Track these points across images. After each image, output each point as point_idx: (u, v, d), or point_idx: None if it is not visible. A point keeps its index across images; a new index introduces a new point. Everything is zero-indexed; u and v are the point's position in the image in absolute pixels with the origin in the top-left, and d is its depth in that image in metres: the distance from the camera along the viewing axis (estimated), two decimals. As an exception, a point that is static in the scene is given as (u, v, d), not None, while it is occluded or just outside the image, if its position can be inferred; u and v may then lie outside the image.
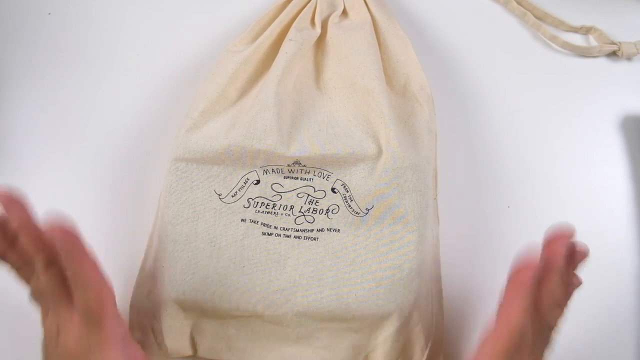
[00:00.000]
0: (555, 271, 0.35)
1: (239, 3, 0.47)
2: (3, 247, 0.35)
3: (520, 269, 0.34)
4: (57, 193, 0.44)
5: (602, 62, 0.49)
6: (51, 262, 0.33)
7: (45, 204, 0.44)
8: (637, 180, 0.46)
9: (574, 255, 0.37)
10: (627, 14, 0.50)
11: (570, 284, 0.38)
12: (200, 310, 0.39)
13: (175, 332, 0.39)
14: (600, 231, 0.45)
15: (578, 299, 0.44)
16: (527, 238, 0.44)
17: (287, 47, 0.40)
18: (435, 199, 0.42)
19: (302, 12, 0.42)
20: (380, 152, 0.38)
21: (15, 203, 0.34)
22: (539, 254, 0.34)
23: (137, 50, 0.46)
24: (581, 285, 0.39)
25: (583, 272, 0.45)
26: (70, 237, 0.31)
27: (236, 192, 0.39)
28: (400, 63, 0.42)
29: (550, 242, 0.35)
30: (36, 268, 0.34)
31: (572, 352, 0.44)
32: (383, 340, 0.40)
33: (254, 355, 0.41)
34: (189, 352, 0.41)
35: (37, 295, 0.36)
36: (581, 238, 0.45)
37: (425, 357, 0.41)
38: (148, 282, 0.40)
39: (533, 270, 0.33)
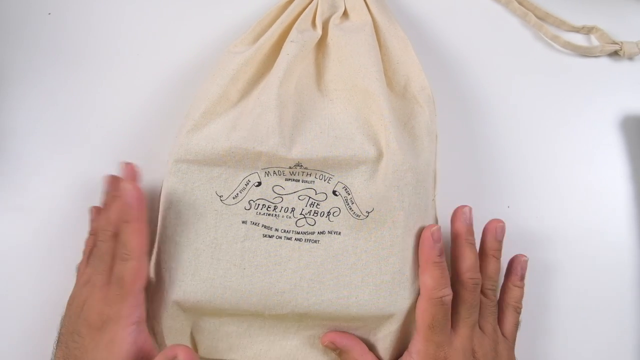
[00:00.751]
0: (462, 242, 0.39)
1: (240, 4, 0.47)
2: (107, 202, 0.41)
3: (421, 242, 0.38)
4: (57, 193, 0.44)
5: (604, 61, 0.49)
6: (117, 235, 0.38)
7: (46, 203, 0.44)
8: (637, 180, 0.46)
9: (488, 229, 0.41)
10: (629, 14, 0.50)
11: (517, 261, 0.42)
12: (200, 311, 0.39)
13: (175, 332, 0.39)
14: (600, 231, 0.45)
15: (578, 298, 0.44)
16: (527, 238, 0.45)
17: (288, 48, 0.40)
18: (433, 200, 0.42)
19: (303, 14, 0.42)
20: (380, 154, 0.38)
21: (131, 177, 0.40)
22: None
23: (137, 50, 0.46)
24: (527, 260, 0.42)
25: (583, 272, 0.45)
26: (139, 202, 0.36)
27: (237, 194, 0.39)
28: (400, 64, 0.42)
29: (453, 221, 0.40)
30: (103, 237, 0.38)
31: (572, 351, 0.44)
32: (383, 337, 0.40)
33: (254, 351, 0.41)
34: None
35: (89, 262, 0.39)
36: (581, 238, 0.45)
37: None
38: (148, 283, 0.40)
39: (432, 239, 0.37)
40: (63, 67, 0.46)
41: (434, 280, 0.37)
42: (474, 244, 0.40)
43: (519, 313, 0.41)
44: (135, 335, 0.36)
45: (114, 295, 0.36)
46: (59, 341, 0.38)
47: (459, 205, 0.41)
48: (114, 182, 0.41)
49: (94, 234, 0.41)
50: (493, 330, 0.40)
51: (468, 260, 0.39)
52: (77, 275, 0.41)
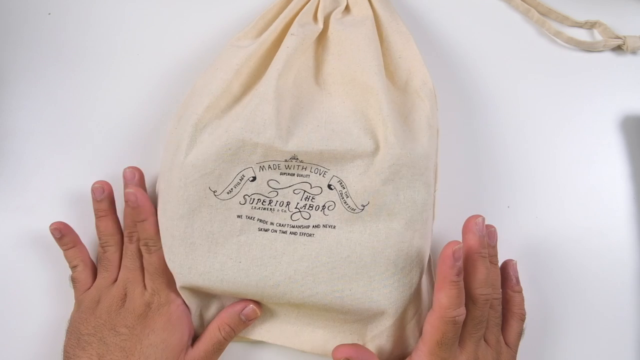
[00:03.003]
0: (475, 256, 0.37)
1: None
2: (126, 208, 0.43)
3: (442, 259, 0.36)
4: (58, 192, 0.44)
5: (608, 56, 0.48)
6: (139, 236, 0.41)
7: (46, 203, 0.44)
8: (637, 180, 0.46)
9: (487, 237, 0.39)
10: (631, 9, 0.49)
11: (508, 267, 0.42)
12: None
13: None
14: (600, 231, 0.45)
15: (577, 298, 0.44)
16: (527, 238, 0.45)
17: (288, 41, 0.40)
18: (433, 195, 0.42)
19: (305, 8, 0.42)
20: (377, 148, 0.38)
21: (135, 178, 0.42)
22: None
23: (137, 50, 0.46)
24: (516, 262, 0.42)
25: (583, 272, 0.45)
26: (146, 201, 0.40)
27: (232, 189, 0.39)
28: (402, 59, 0.42)
29: (464, 232, 0.38)
30: (134, 238, 0.41)
31: (571, 350, 0.44)
32: (379, 333, 0.40)
33: (255, 332, 0.42)
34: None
35: (99, 268, 0.42)
36: (581, 238, 0.45)
37: None
38: None
39: (453, 257, 0.35)
40: (63, 67, 0.46)
41: (450, 300, 0.36)
42: (486, 257, 0.38)
43: (523, 321, 0.41)
44: (186, 313, 0.41)
45: (158, 284, 0.40)
46: (80, 344, 0.38)
47: (458, 207, 0.41)
48: (98, 191, 0.43)
49: (72, 246, 0.42)
50: (497, 342, 0.39)
51: (480, 275, 0.37)
52: (79, 285, 0.41)
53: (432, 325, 0.36)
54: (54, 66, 0.46)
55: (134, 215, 0.41)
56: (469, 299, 0.37)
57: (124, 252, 0.42)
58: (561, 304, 0.44)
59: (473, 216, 0.38)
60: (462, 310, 0.36)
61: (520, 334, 0.41)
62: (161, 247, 0.40)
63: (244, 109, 0.38)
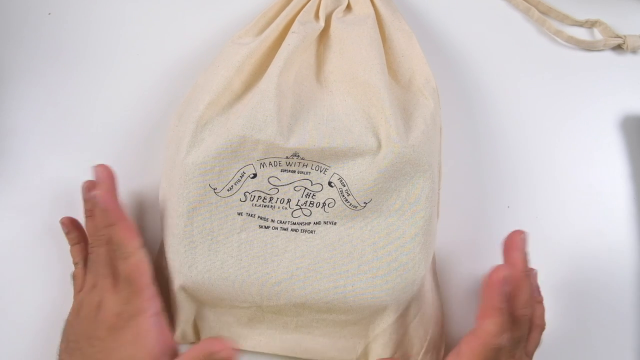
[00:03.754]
0: (521, 276, 0.36)
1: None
2: (90, 209, 0.40)
3: (490, 285, 0.34)
4: (58, 192, 0.44)
5: (608, 55, 0.48)
6: (110, 240, 0.38)
7: (47, 203, 0.44)
8: (637, 180, 0.46)
9: (514, 245, 0.38)
10: (631, 9, 0.49)
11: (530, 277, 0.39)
12: (201, 301, 0.40)
13: (179, 319, 0.40)
14: (600, 231, 0.45)
15: (577, 298, 0.44)
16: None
17: (289, 39, 0.40)
18: (437, 193, 0.42)
19: (306, 6, 0.42)
20: (379, 146, 0.38)
21: (107, 178, 0.39)
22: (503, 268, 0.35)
23: (137, 49, 0.46)
24: (536, 272, 0.40)
25: (583, 271, 0.45)
26: (114, 204, 0.37)
27: (232, 186, 0.39)
28: (405, 57, 0.42)
29: (508, 248, 0.37)
30: (99, 242, 0.38)
31: (572, 351, 0.44)
32: (381, 332, 0.40)
33: (254, 342, 0.42)
34: (192, 338, 0.42)
35: (89, 269, 0.39)
36: (581, 238, 0.45)
37: (424, 349, 0.41)
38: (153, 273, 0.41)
39: (502, 283, 0.34)
40: (63, 67, 0.46)
41: (497, 327, 0.34)
42: (530, 276, 0.37)
43: (543, 331, 0.40)
44: (158, 325, 0.37)
45: (127, 293, 0.37)
46: (67, 349, 0.38)
47: (459, 207, 0.41)
48: (91, 188, 0.40)
49: (77, 242, 0.41)
50: (520, 355, 0.38)
51: (524, 296, 0.36)
52: (76, 284, 0.41)
53: (473, 349, 0.35)
54: (54, 66, 0.46)
55: (102, 218, 0.38)
56: (512, 320, 0.36)
57: (95, 257, 0.39)
58: (561, 304, 0.44)
59: (517, 232, 0.37)
60: (506, 335, 0.35)
61: (538, 344, 0.40)
62: (133, 256, 0.37)
63: (245, 106, 0.38)
